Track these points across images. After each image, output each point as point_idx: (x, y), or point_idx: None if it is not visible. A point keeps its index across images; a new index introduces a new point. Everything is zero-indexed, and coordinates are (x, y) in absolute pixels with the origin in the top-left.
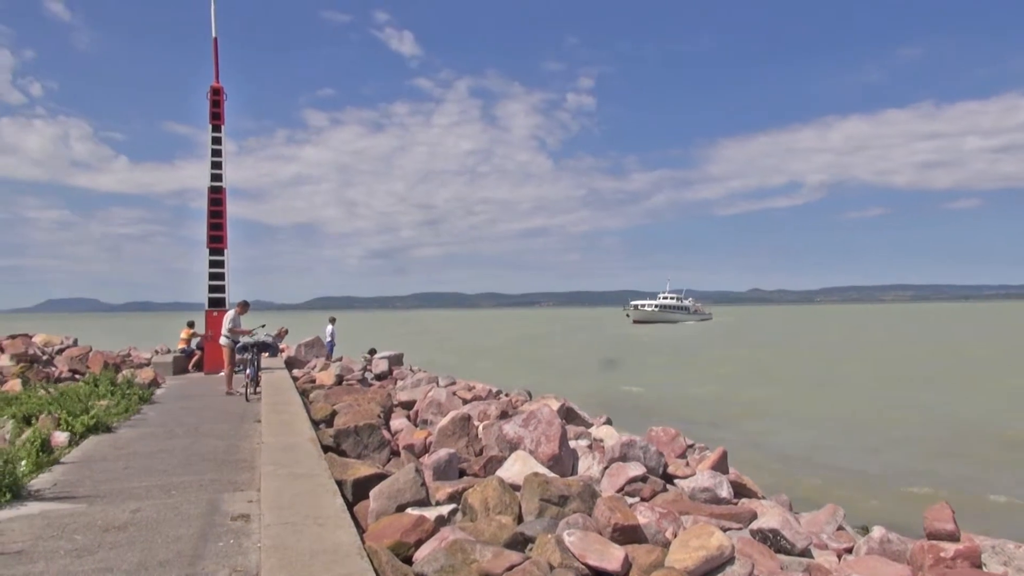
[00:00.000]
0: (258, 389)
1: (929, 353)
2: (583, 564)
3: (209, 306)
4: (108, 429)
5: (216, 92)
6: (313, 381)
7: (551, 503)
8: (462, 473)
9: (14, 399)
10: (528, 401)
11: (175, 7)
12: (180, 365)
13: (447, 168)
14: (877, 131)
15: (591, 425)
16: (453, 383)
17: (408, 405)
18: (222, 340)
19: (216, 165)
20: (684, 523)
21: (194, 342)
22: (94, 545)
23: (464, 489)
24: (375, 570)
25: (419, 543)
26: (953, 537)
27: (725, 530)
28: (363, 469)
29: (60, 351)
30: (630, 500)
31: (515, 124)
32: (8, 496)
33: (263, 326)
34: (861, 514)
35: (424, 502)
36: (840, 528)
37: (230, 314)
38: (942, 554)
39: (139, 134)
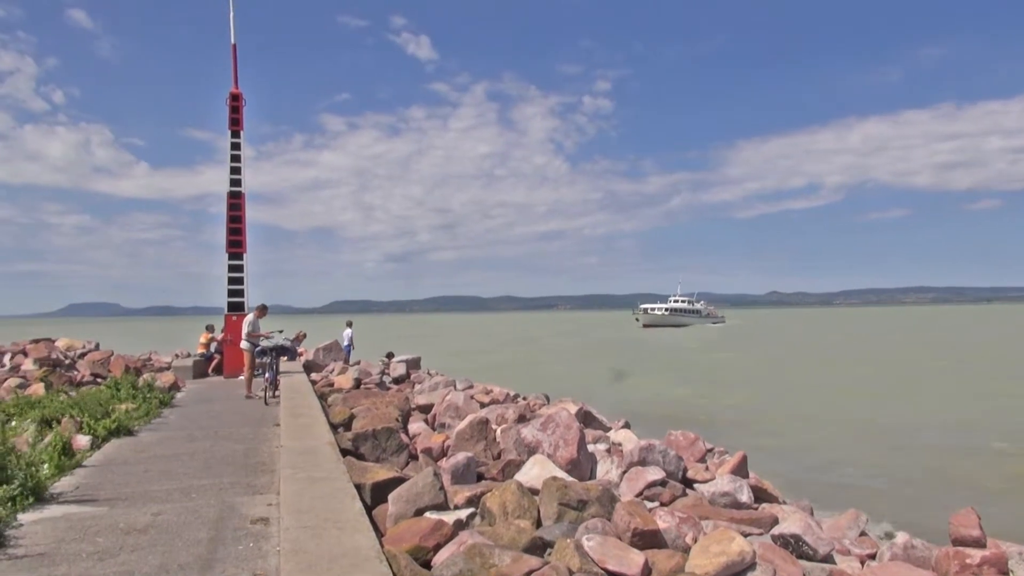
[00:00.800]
0: (277, 393)
1: (952, 356)
2: (602, 569)
3: (228, 310)
4: (129, 432)
5: (235, 98)
6: (331, 385)
7: (570, 507)
8: (480, 477)
9: (37, 403)
10: (546, 405)
11: (195, 14)
12: (200, 369)
13: (464, 172)
14: (897, 132)
15: (609, 429)
16: (471, 387)
17: (426, 409)
18: (243, 344)
19: (235, 170)
20: (704, 528)
21: (213, 346)
22: (115, 548)
23: (482, 493)
24: (394, 574)
25: (438, 547)
26: (979, 543)
27: (746, 535)
28: (381, 473)
29: (82, 355)
30: (649, 505)
31: (532, 127)
32: (31, 499)
33: (280, 331)
34: (884, 519)
35: (442, 506)
36: (863, 534)
37: (249, 317)
38: (968, 560)
39: (159, 140)
